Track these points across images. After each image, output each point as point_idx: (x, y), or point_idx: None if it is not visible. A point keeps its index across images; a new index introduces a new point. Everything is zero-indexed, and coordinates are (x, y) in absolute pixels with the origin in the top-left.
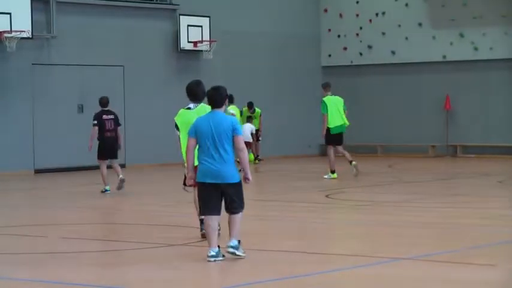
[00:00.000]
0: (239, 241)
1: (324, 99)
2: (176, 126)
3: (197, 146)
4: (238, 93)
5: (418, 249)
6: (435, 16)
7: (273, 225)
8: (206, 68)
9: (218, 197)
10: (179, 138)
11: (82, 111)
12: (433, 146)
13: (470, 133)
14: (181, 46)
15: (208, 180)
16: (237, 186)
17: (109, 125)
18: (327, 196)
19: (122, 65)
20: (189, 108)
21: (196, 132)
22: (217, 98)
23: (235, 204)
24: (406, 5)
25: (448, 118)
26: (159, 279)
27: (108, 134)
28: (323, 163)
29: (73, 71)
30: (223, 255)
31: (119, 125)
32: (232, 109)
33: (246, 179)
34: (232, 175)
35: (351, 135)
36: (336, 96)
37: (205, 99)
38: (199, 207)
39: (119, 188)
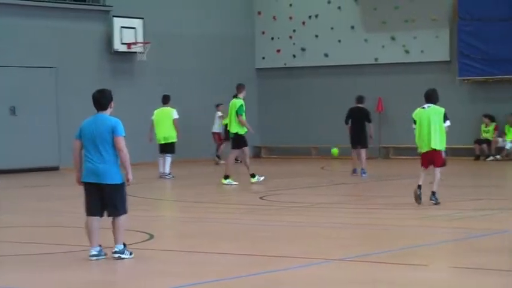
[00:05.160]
0: (124, 244)
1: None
2: (414, 121)
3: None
4: (172, 95)
5: (350, 251)
6: (367, 19)
7: (208, 227)
8: (140, 70)
9: (100, 197)
10: (413, 129)
11: (14, 114)
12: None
13: (402, 135)
14: (114, 48)
15: (91, 180)
16: (119, 188)
17: None
18: (260, 198)
19: (55, 67)
20: (423, 108)
21: (81, 135)
22: (102, 100)
23: (115, 207)
24: (339, 8)
25: (380, 120)
26: (98, 282)
27: None
28: (258, 164)
29: (4, 72)
30: (106, 254)
31: None
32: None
33: (127, 179)
34: (112, 176)
35: (284, 137)
36: None
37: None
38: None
39: None
